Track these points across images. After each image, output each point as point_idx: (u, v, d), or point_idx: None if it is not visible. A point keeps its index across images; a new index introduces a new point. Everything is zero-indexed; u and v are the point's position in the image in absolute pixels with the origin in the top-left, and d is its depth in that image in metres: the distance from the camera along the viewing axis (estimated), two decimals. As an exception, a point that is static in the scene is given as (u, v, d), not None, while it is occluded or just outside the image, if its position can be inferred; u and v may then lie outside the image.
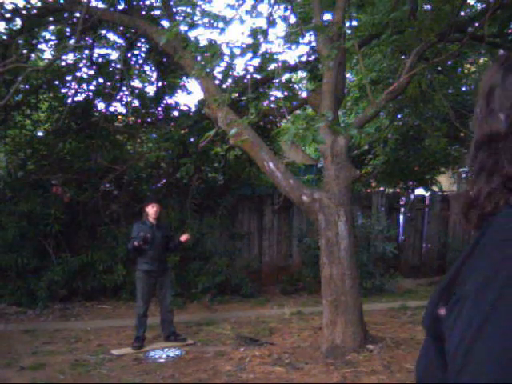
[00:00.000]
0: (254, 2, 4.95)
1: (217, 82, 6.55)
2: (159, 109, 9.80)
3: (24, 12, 7.50)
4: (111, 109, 9.59)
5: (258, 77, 7.29)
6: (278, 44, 4.62)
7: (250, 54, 4.58)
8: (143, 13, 8.12)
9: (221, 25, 4.41)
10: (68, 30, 8.57)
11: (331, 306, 5.22)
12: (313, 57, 7.70)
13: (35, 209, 7.86)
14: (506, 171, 0.71)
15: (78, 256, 8.05)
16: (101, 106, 9.48)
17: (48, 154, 8.97)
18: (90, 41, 8.69)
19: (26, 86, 8.99)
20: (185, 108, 9.45)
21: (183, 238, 6.16)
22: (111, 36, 9.18)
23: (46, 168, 8.85)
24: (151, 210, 5.93)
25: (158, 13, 8.37)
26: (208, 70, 4.99)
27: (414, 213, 10.85)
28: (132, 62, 9.39)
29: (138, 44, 9.16)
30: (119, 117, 9.80)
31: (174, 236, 6.58)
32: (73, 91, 9.15)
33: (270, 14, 4.86)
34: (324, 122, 3.65)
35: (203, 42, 5.69)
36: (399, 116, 12.40)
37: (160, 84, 9.77)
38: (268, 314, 7.50)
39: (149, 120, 9.92)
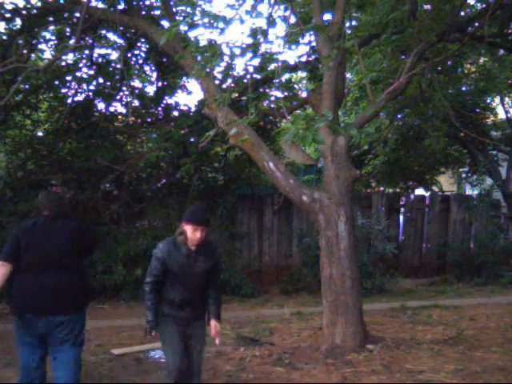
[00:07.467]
0: (254, 2, 4.95)
1: (217, 82, 6.55)
2: (159, 109, 9.80)
3: (24, 12, 7.51)
4: (111, 109, 9.59)
5: (258, 77, 7.29)
6: (278, 44, 4.60)
7: (249, 54, 4.57)
8: (143, 13, 8.13)
9: (221, 25, 4.41)
10: (68, 29, 8.58)
11: (331, 306, 5.22)
12: (313, 57, 7.70)
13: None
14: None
15: (78, 256, 8.04)
16: (101, 106, 9.48)
17: (48, 154, 8.97)
18: (90, 41, 8.70)
19: (26, 86, 9.00)
20: (185, 108, 9.45)
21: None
22: (111, 36, 9.20)
23: (46, 168, 8.85)
24: (192, 235, 3.55)
25: (158, 13, 8.38)
26: (208, 70, 4.98)
27: (414, 213, 10.85)
28: (132, 62, 9.40)
29: (138, 44, 9.16)
30: (119, 117, 9.79)
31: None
32: (73, 91, 9.16)
33: (270, 14, 4.86)
34: (324, 121, 3.64)
35: (203, 42, 5.70)
36: (399, 116, 12.41)
37: (160, 84, 9.78)
38: (268, 313, 7.50)
39: (149, 120, 9.92)
